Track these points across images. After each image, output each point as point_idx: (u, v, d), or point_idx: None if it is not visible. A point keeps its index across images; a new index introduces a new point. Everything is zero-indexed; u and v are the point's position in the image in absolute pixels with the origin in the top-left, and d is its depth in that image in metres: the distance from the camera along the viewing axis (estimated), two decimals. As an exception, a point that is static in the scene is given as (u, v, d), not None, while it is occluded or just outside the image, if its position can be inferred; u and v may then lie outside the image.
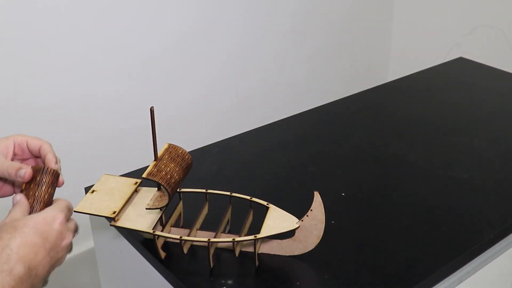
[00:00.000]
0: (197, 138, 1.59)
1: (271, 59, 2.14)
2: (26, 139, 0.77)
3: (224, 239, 0.88)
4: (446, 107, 1.47)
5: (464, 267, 0.96)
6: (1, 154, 0.74)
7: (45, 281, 0.65)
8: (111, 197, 0.91)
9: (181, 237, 0.87)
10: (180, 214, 0.97)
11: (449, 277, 0.94)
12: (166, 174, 0.87)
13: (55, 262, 0.66)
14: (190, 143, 1.34)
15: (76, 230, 0.72)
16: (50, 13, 1.52)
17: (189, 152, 1.24)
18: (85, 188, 1.08)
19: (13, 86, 1.52)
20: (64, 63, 1.60)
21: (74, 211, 0.79)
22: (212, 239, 0.86)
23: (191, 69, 1.90)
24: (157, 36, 1.77)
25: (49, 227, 0.65)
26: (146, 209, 0.88)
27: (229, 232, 0.95)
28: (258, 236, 0.86)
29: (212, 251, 0.88)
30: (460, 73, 1.71)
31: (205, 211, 0.97)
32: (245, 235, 0.90)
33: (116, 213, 0.87)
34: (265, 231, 0.87)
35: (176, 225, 0.96)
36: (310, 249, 0.90)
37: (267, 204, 0.92)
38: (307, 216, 0.87)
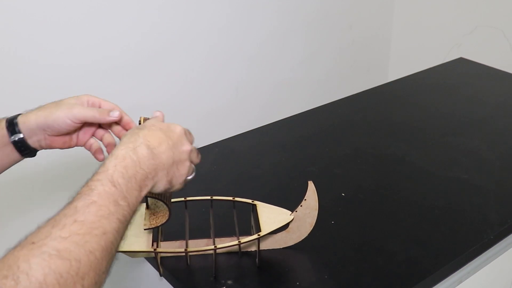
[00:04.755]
0: (197, 138, 1.59)
1: (271, 59, 2.14)
2: (99, 101, 0.82)
3: (230, 243, 0.87)
4: (446, 107, 1.47)
5: (464, 267, 0.96)
6: (80, 104, 0.79)
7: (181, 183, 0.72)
8: None
9: (186, 249, 0.86)
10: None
11: (449, 277, 0.94)
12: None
13: (178, 162, 0.71)
14: (190, 143, 1.34)
15: (197, 156, 0.76)
16: (46, 12, 1.52)
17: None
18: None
19: (10, 87, 1.52)
20: (61, 63, 1.60)
21: None
22: (219, 246, 0.86)
23: (190, 69, 1.90)
24: (156, 35, 1.77)
25: (171, 130, 0.72)
26: (145, 229, 0.83)
27: (215, 236, 0.92)
28: (261, 234, 0.85)
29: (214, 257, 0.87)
30: (460, 73, 1.71)
31: (187, 219, 0.94)
32: (239, 236, 0.90)
33: None
34: (266, 228, 0.86)
35: (156, 238, 0.90)
36: (303, 238, 0.91)
37: (252, 201, 0.92)
38: (301, 206, 0.88)
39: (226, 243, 0.87)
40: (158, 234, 0.88)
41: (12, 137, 0.75)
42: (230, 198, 0.94)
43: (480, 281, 1.05)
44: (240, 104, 2.09)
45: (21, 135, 0.75)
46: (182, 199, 0.94)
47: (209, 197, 0.95)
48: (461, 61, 1.80)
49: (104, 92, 1.70)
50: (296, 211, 0.88)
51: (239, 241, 0.86)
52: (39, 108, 0.77)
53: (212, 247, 0.85)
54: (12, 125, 0.75)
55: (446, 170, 1.17)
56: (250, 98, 2.12)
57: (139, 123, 0.82)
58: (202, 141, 1.30)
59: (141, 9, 1.70)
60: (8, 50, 1.48)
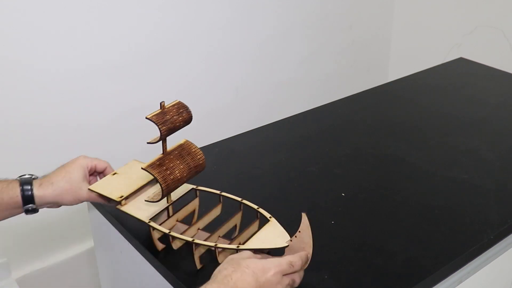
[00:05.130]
0: (197, 138, 1.59)
1: (271, 59, 2.14)
2: (95, 163, 0.96)
3: (207, 242, 0.85)
4: (446, 107, 1.47)
5: (464, 267, 0.96)
6: (86, 182, 0.94)
7: None
8: (127, 182, 0.93)
9: (169, 231, 0.87)
10: (194, 211, 0.96)
11: (449, 277, 0.94)
12: (166, 169, 0.86)
13: None
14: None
15: (292, 285, 0.80)
16: (47, 14, 1.52)
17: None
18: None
19: (14, 88, 1.52)
20: (63, 65, 1.60)
21: (88, 189, 0.93)
22: (196, 240, 0.85)
23: (191, 69, 1.90)
24: (156, 36, 1.77)
25: (264, 275, 0.76)
26: (145, 201, 0.89)
27: (232, 237, 0.92)
28: (241, 246, 0.83)
29: (197, 252, 0.87)
30: (460, 73, 1.71)
31: (216, 212, 0.95)
32: (240, 241, 0.88)
33: (123, 197, 0.91)
34: (252, 243, 0.84)
35: (187, 221, 0.94)
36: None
37: (270, 217, 0.89)
38: (295, 236, 0.83)
39: (202, 241, 0.86)
40: (175, 212, 0.93)
41: (26, 207, 0.90)
42: (255, 206, 0.92)
43: (480, 281, 1.05)
44: (240, 104, 2.10)
45: (35, 206, 0.91)
46: (218, 192, 0.96)
47: (239, 199, 0.94)
48: (461, 61, 1.80)
49: (105, 93, 1.71)
50: (291, 240, 0.84)
51: (216, 244, 0.84)
52: (53, 184, 0.91)
53: (190, 238, 0.85)
54: (28, 197, 0.89)
55: (446, 170, 1.17)
56: (250, 98, 2.12)
57: (160, 106, 0.87)
58: (202, 141, 1.30)
59: (141, 10, 1.70)
60: (13, 52, 1.48)
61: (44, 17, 1.51)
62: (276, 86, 2.19)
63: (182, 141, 0.92)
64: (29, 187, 0.89)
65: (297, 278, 0.80)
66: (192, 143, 0.92)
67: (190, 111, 0.91)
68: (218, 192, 0.96)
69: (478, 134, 1.33)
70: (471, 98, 1.53)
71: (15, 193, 0.89)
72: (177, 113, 0.89)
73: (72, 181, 0.91)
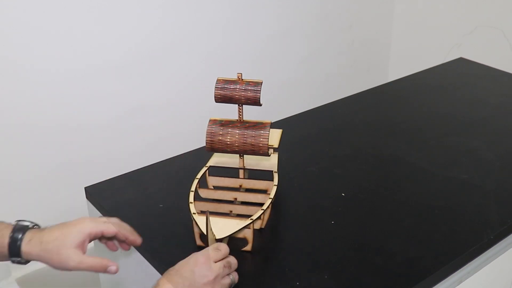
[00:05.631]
0: (197, 137, 1.59)
1: (271, 59, 2.14)
2: (101, 230, 0.87)
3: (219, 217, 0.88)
4: (446, 107, 1.47)
5: (464, 267, 0.96)
6: (78, 250, 0.84)
7: None
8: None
9: (192, 201, 0.92)
10: (266, 191, 0.99)
11: (449, 277, 0.94)
12: (221, 129, 0.91)
13: None
14: (190, 143, 1.34)
15: (230, 268, 0.82)
16: (48, 14, 1.52)
17: (189, 152, 1.25)
18: (85, 188, 1.08)
19: (11, 88, 1.52)
20: (64, 65, 1.60)
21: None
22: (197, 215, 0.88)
23: (191, 69, 1.90)
24: (156, 36, 1.77)
25: (189, 269, 0.78)
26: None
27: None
28: (217, 237, 0.85)
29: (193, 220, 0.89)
30: (460, 73, 1.71)
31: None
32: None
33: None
34: (220, 231, 0.85)
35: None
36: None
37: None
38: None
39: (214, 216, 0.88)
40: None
41: (13, 258, 0.82)
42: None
43: (480, 281, 1.05)
44: (240, 104, 2.09)
45: (21, 260, 0.82)
46: (274, 170, 1.02)
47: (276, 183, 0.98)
48: (461, 61, 1.80)
49: (105, 93, 1.70)
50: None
51: (208, 214, 0.83)
52: (42, 244, 0.82)
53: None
54: (15, 248, 0.81)
55: (446, 170, 1.17)
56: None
57: (238, 78, 0.92)
58: (202, 141, 1.30)
59: (141, 10, 1.70)
60: (13, 52, 1.48)
61: (44, 17, 1.51)
62: (276, 86, 2.19)
63: (266, 121, 0.96)
64: (19, 237, 0.81)
65: (233, 260, 0.82)
66: (267, 128, 0.94)
67: (258, 94, 0.93)
68: (276, 183, 0.98)
69: (478, 134, 1.33)
70: (471, 98, 1.53)
71: (3, 242, 0.81)
72: (244, 89, 0.93)
73: (62, 246, 0.82)
